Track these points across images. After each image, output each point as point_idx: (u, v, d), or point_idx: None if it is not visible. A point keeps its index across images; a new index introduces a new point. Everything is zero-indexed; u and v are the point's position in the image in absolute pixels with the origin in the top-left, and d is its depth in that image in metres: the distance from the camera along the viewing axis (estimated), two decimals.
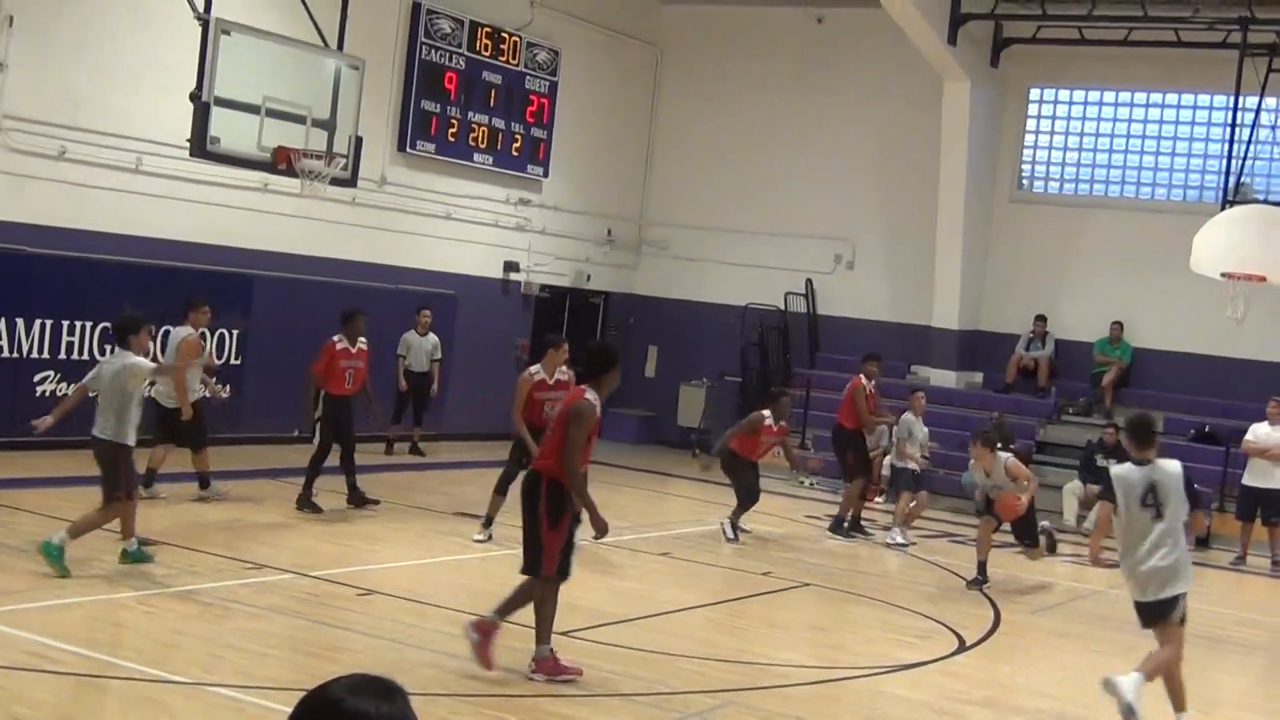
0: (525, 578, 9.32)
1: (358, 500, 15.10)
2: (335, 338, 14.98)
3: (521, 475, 9.98)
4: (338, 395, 14.88)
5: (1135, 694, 9.00)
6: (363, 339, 15.17)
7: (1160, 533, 9.23)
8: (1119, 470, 9.50)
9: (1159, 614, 9.34)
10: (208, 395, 15.05)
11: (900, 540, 16.83)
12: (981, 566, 14.58)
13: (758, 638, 11.33)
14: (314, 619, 10.30)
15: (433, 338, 20.32)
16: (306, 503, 14.69)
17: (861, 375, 17.75)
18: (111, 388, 11.07)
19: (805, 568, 14.46)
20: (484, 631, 9.13)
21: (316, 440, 15.04)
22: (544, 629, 9.22)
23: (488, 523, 14.17)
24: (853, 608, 13.00)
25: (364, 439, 19.97)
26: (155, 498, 14.22)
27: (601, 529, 9.28)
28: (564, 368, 13.99)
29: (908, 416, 18.09)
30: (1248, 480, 18.27)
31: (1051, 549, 15.89)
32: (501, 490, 14.04)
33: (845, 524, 17.20)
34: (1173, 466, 9.44)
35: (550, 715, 8.54)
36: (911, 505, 17.37)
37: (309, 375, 15.02)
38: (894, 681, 10.27)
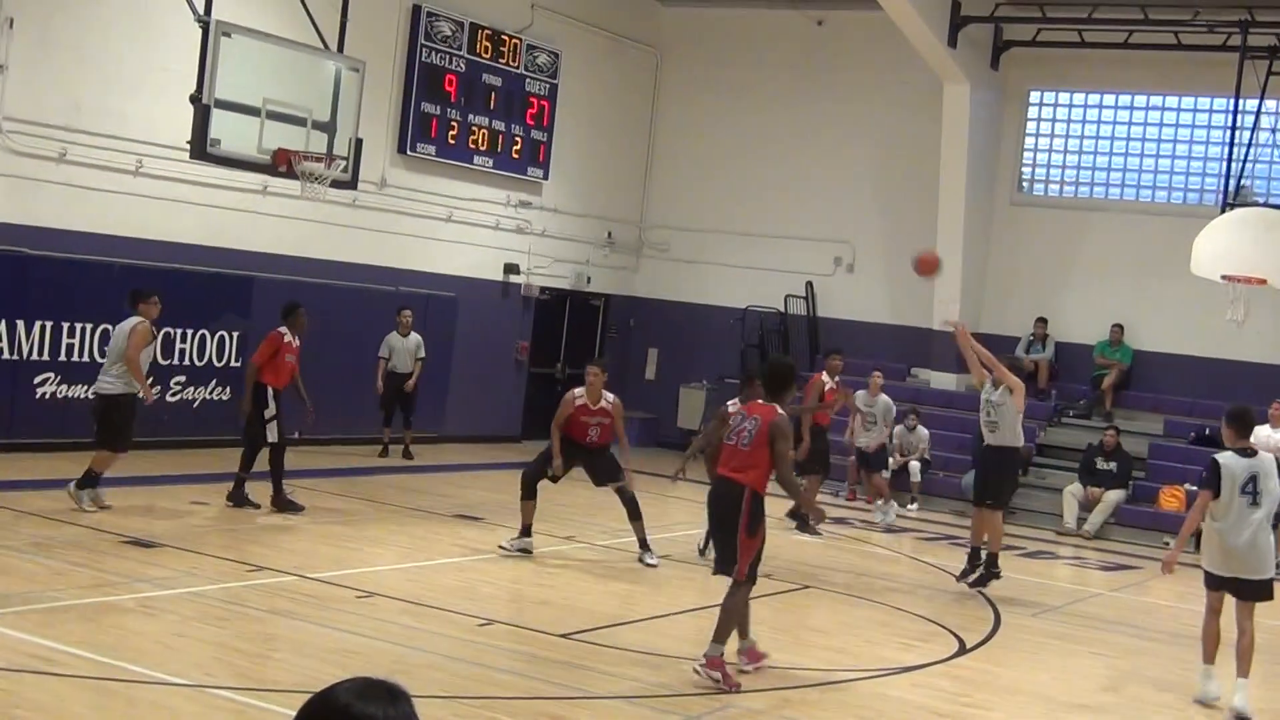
0: (726, 586, 9.94)
1: (281, 504, 14.55)
2: (281, 329, 14.83)
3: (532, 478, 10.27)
4: (277, 389, 14.66)
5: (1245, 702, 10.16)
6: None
7: (1258, 518, 10.18)
8: (1226, 458, 10.25)
9: (1262, 592, 10.40)
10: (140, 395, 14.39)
11: (891, 517, 18.31)
12: (974, 554, 14.43)
13: (758, 640, 11.32)
14: (315, 621, 10.29)
15: (415, 337, 20.15)
16: (285, 504, 14.53)
17: (824, 371, 17.91)
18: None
19: (806, 570, 14.45)
20: (754, 657, 10.12)
21: (271, 437, 14.59)
22: (724, 630, 9.72)
23: (526, 531, 13.80)
24: (853, 610, 13.00)
25: (352, 441, 20.05)
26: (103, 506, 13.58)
27: (819, 515, 12.76)
28: (607, 395, 13.95)
29: (861, 394, 18.88)
30: None
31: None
32: (530, 494, 13.87)
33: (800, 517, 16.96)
34: (1269, 459, 10.43)
35: (551, 717, 8.53)
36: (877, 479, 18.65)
37: (252, 368, 14.77)
38: (895, 684, 10.27)
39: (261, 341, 15.02)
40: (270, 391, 14.60)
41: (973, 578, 14.18)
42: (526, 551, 13.63)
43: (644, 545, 14.11)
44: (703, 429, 19.41)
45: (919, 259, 14.36)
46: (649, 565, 13.88)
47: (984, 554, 14.23)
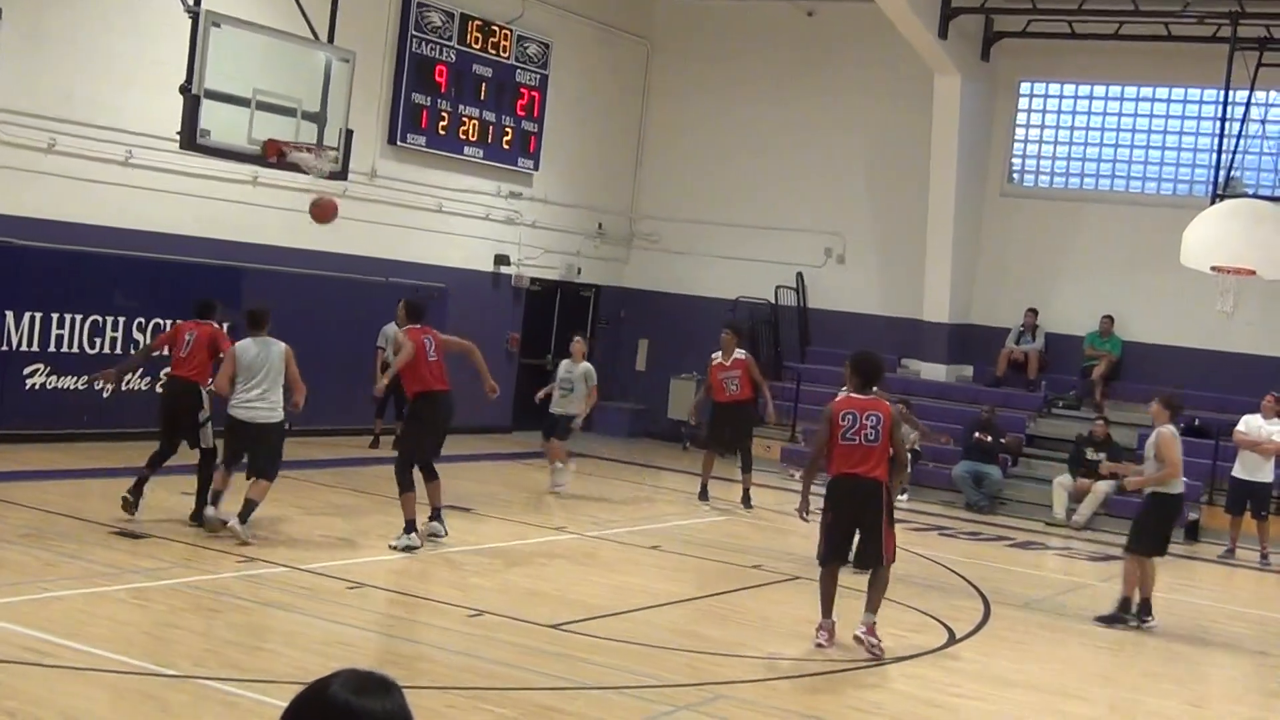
0: (868, 574, 10.89)
1: (201, 518, 12.97)
2: (214, 324, 13.76)
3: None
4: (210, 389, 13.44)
5: None
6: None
7: None
8: None
9: None
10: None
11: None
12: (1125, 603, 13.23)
13: (747, 631, 11.35)
14: (306, 612, 10.30)
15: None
16: (204, 518, 12.87)
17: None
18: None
19: (795, 561, 14.47)
20: (874, 630, 10.68)
21: (205, 441, 13.30)
22: (879, 602, 10.74)
23: (410, 527, 12.97)
24: (843, 601, 13.00)
25: (343, 432, 20.04)
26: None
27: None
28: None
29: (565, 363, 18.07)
30: (1238, 473, 18.19)
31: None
32: (408, 486, 13.05)
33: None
34: None
35: (542, 708, 8.55)
36: None
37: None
38: (884, 674, 10.30)
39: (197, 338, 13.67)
40: (204, 392, 13.45)
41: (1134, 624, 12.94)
42: (413, 548, 12.79)
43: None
44: (692, 421, 19.44)
45: (317, 206, 13.78)
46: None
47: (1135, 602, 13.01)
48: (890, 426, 10.53)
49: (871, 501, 10.56)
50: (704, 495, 18.04)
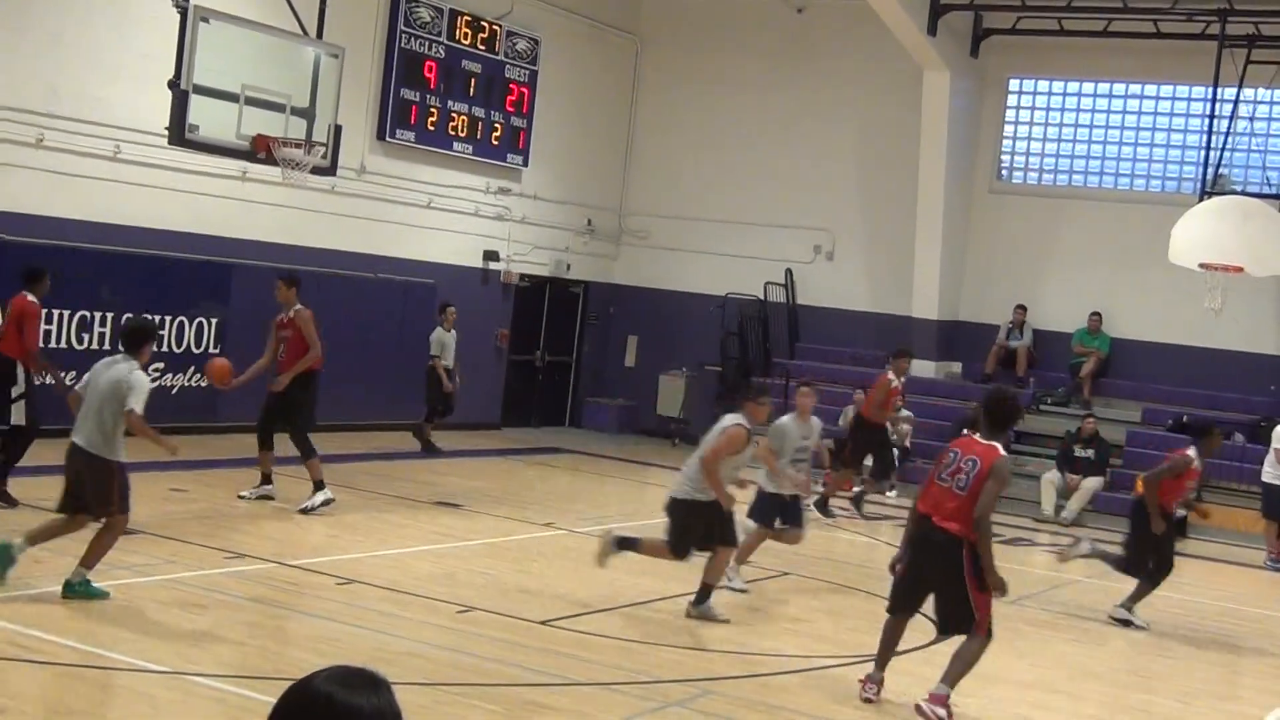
0: (959, 641, 9.26)
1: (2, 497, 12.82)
2: (28, 295, 13.13)
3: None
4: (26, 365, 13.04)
5: None
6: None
7: None
8: None
9: None
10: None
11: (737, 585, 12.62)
12: None
13: (738, 627, 11.35)
14: (295, 608, 10.29)
15: (454, 333, 20.23)
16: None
17: (890, 371, 17.92)
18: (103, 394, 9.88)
19: (785, 558, 14.46)
20: (942, 701, 9.03)
21: (16, 418, 12.99)
22: (957, 677, 9.16)
23: (266, 479, 14.59)
24: (833, 597, 13.03)
25: (333, 429, 20.00)
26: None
27: (1000, 588, 9.08)
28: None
29: (783, 421, 13.53)
30: (1272, 478, 17.79)
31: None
32: (267, 445, 14.56)
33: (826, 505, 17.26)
34: None
35: (532, 705, 8.55)
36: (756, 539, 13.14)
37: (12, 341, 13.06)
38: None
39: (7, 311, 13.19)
40: (20, 368, 12.90)
41: None
42: (269, 498, 14.26)
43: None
44: (681, 417, 19.46)
45: (211, 369, 13.88)
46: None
47: None
48: (984, 476, 8.93)
49: (943, 557, 9.02)
50: (826, 508, 17.16)
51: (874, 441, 17.91)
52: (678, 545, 11.28)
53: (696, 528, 11.21)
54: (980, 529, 8.93)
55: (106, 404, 9.79)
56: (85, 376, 10.23)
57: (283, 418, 14.35)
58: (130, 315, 13.37)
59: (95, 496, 9.90)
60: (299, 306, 14.48)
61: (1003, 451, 9.10)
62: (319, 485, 14.09)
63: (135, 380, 9.80)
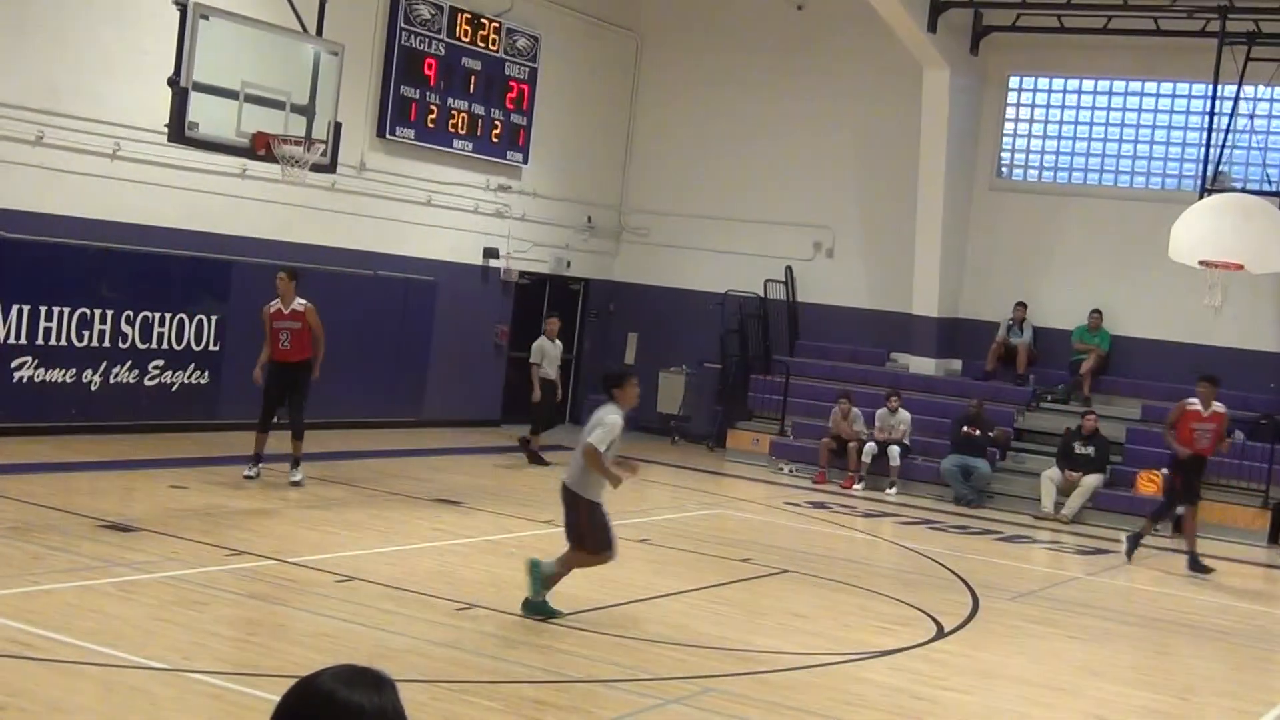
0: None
1: None
2: None
3: None
4: None
5: None
6: None
7: None
8: None
9: None
10: None
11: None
12: None
13: (737, 624, 11.36)
14: (294, 605, 10.29)
15: (559, 343, 20.17)
16: None
17: (1196, 399, 16.55)
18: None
19: (785, 555, 14.49)
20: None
21: None
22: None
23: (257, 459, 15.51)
24: (831, 594, 13.03)
25: (332, 426, 20.00)
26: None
27: None
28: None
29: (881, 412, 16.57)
30: None
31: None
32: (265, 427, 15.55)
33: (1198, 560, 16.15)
34: None
35: (530, 702, 8.55)
36: None
37: None
38: (872, 667, 10.31)
39: None
40: None
41: None
42: (255, 477, 15.23)
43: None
44: (681, 414, 19.37)
45: None
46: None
47: None
48: None
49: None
50: (1198, 565, 16.00)
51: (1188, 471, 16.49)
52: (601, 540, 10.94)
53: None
54: None
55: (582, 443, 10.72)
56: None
57: (292, 397, 15.45)
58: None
59: (570, 529, 10.82)
60: (302, 300, 15.50)
61: None
62: (299, 463, 15.46)
63: (605, 420, 10.59)
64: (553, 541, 14.06)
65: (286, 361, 15.44)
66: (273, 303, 15.59)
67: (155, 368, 18.02)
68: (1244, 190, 20.44)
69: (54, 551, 11.09)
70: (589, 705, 8.62)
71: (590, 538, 10.69)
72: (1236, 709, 10.62)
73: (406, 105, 21.39)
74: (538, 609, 10.55)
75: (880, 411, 20.90)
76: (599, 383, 11.20)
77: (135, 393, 17.75)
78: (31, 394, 16.69)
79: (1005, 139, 23.98)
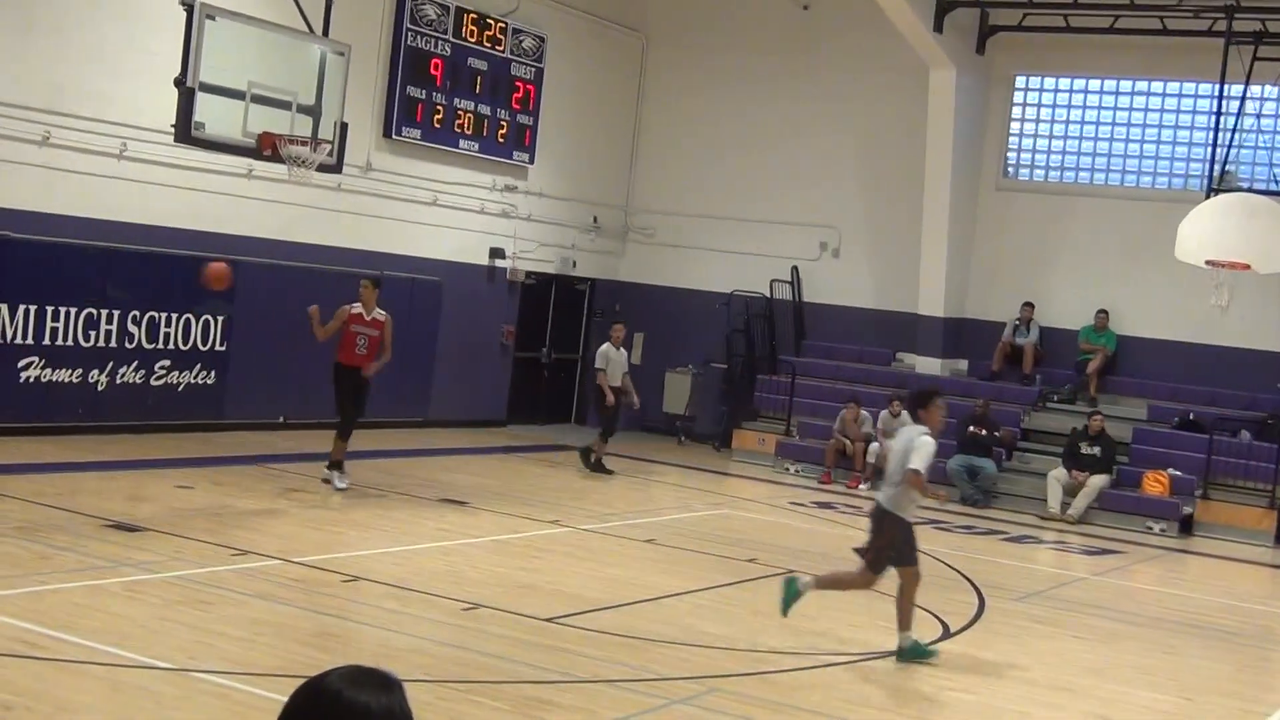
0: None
1: None
2: None
3: None
4: None
5: None
6: None
7: None
8: None
9: None
10: None
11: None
12: None
13: (743, 624, 11.36)
14: (300, 605, 10.30)
15: (624, 350, 20.01)
16: None
17: None
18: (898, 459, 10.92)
19: (791, 555, 14.48)
20: None
21: None
22: None
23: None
24: (837, 594, 13.00)
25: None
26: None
27: None
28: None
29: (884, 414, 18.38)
30: None
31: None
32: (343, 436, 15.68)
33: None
34: None
35: (536, 701, 8.55)
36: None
37: None
38: (878, 667, 10.31)
39: None
40: None
41: None
42: (331, 483, 15.48)
43: None
44: (688, 414, 19.38)
45: (209, 275, 14.43)
46: None
47: None
48: None
49: None
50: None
51: None
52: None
53: None
54: None
55: (899, 465, 10.79)
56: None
57: (357, 398, 15.80)
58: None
59: (879, 550, 10.83)
60: (382, 311, 15.86)
61: None
62: (343, 467, 15.76)
63: (919, 443, 10.66)
64: (553, 541, 14.09)
65: (359, 366, 15.64)
66: (354, 305, 15.72)
67: (162, 368, 18.04)
68: (1251, 190, 20.41)
69: (60, 551, 11.10)
70: (594, 705, 8.63)
71: (908, 554, 10.82)
72: (1242, 709, 10.61)
73: (412, 105, 21.40)
74: (915, 653, 10.47)
75: (883, 414, 20.89)
76: (907, 400, 11.23)
77: (142, 393, 17.77)
78: (38, 394, 16.72)
79: (1011, 139, 23.96)
